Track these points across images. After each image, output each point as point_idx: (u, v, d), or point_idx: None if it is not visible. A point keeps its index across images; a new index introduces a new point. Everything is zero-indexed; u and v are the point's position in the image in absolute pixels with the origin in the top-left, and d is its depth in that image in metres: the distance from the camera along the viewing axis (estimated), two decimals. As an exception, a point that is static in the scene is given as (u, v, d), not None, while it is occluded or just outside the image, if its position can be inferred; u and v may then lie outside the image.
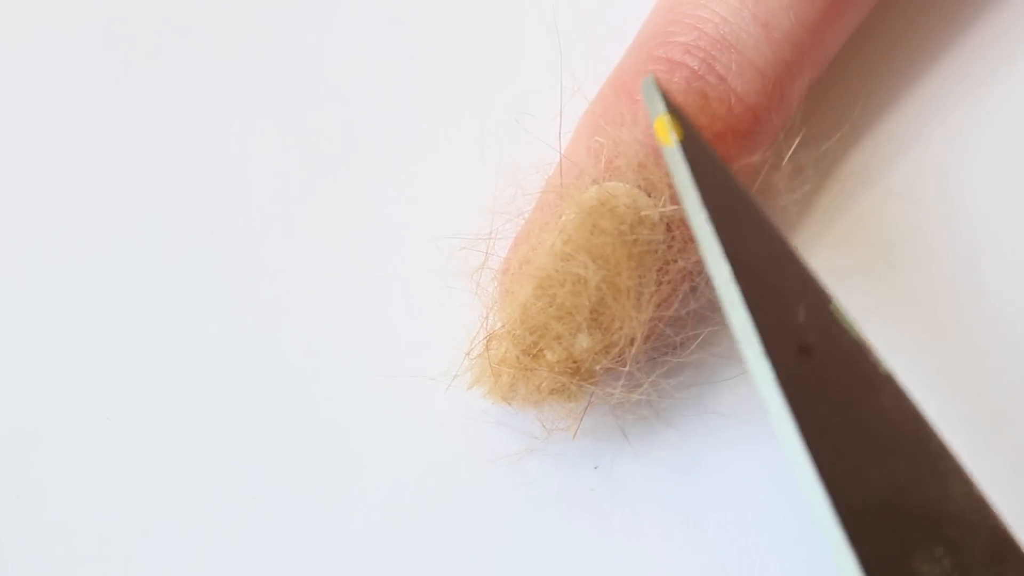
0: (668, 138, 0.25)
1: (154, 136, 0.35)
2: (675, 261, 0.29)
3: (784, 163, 0.31)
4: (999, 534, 0.24)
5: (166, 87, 0.35)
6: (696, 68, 0.30)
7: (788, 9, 0.30)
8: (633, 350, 0.29)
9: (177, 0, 0.36)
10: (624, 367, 0.29)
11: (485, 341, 0.30)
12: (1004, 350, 0.32)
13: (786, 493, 0.31)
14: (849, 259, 0.33)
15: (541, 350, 0.29)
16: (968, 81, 0.34)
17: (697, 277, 0.29)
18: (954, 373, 0.32)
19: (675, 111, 0.26)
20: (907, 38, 0.34)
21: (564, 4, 0.34)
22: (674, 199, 0.29)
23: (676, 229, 0.29)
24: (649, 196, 0.29)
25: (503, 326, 0.29)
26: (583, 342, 0.29)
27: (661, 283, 0.29)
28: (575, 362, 0.29)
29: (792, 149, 0.31)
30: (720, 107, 0.30)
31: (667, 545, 0.31)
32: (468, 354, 0.30)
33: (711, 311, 0.30)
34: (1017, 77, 0.34)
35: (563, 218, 0.29)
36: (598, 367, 0.29)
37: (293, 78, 0.35)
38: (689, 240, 0.29)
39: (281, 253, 0.33)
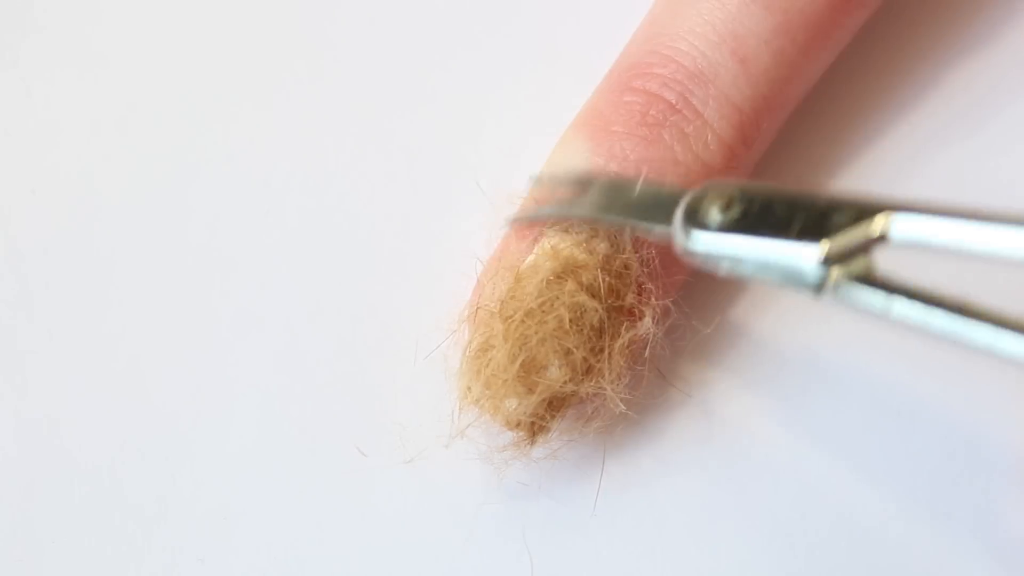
0: None
1: (154, 135, 0.35)
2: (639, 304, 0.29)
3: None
4: None
5: (166, 86, 0.36)
6: (673, 102, 0.30)
7: (766, 44, 0.29)
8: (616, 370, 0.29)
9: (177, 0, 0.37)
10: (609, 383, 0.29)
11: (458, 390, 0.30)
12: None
13: (785, 493, 0.31)
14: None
15: (516, 388, 0.29)
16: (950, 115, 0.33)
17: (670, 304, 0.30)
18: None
19: None
20: (886, 71, 0.34)
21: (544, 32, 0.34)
22: (636, 243, 0.29)
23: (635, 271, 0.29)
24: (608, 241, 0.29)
25: (471, 379, 0.30)
26: (555, 374, 0.29)
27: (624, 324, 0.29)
28: (546, 399, 0.29)
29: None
30: (696, 143, 0.29)
31: (667, 546, 0.31)
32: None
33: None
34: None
35: (520, 269, 0.29)
36: (573, 396, 0.29)
37: (293, 80, 0.36)
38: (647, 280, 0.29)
39: (274, 262, 0.34)
